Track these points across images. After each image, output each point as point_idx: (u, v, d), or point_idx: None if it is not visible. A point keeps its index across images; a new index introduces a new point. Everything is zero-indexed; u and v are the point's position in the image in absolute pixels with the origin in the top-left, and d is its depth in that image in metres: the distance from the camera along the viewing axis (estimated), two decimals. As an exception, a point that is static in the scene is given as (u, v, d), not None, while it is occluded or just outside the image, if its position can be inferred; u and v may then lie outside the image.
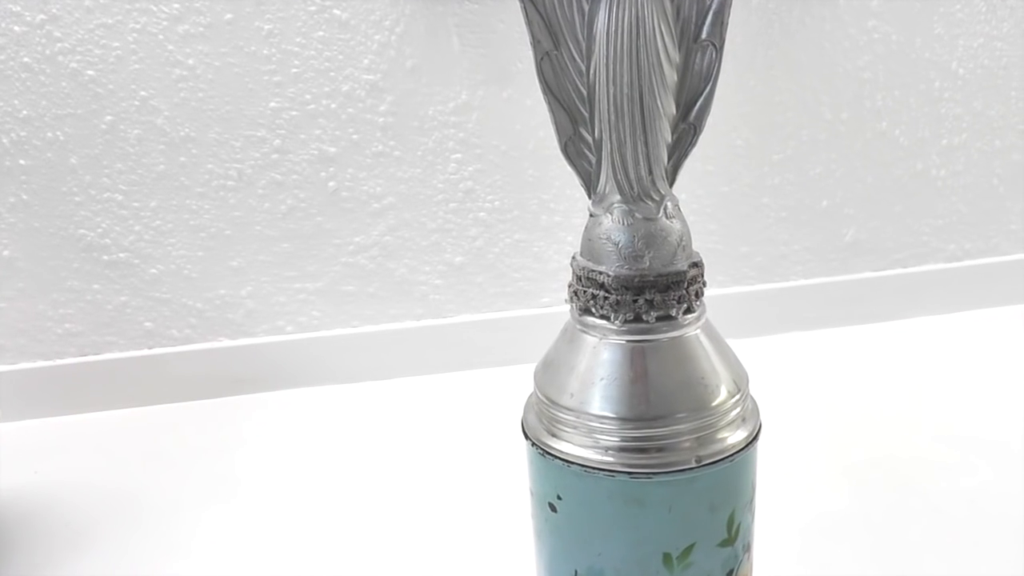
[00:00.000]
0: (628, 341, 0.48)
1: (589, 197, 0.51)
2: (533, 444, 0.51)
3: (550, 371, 0.51)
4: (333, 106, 1.19)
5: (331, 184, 1.21)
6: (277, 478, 1.04)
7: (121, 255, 1.21)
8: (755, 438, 0.51)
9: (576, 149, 0.51)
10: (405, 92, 1.20)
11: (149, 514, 0.97)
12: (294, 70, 1.17)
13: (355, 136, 1.20)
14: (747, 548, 0.53)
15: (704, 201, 1.31)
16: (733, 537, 0.51)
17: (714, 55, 0.50)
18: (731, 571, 0.51)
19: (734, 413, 0.50)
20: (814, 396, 1.18)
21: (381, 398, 1.25)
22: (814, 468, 1.00)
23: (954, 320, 1.42)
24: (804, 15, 1.27)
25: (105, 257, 1.20)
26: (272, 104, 1.17)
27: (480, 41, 1.19)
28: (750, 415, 0.51)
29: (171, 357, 1.25)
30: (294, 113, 1.18)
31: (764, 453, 0.98)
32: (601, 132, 0.49)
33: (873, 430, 1.08)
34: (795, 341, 1.37)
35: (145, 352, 1.25)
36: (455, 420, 1.14)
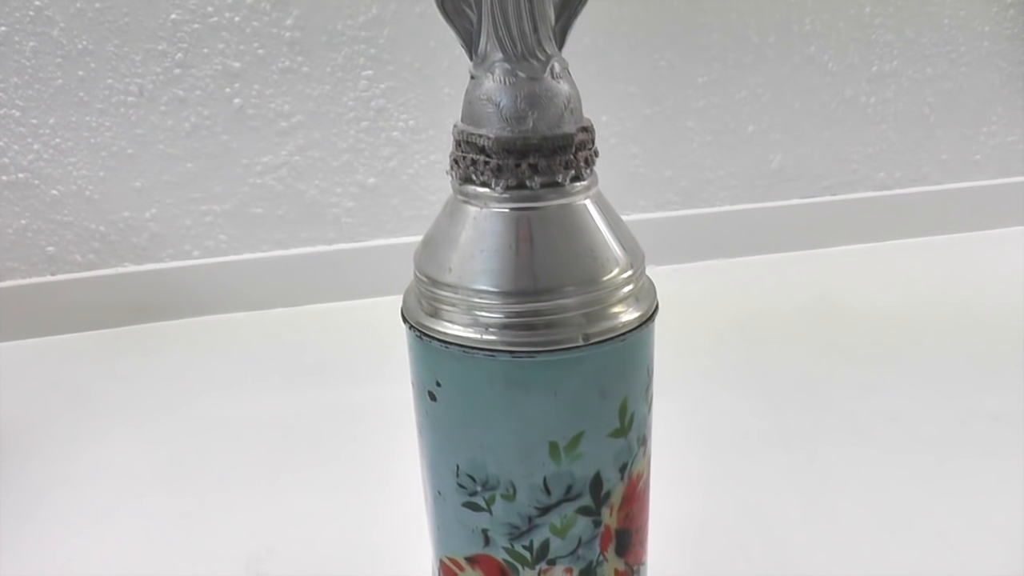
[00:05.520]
0: (511, 209, 0.45)
1: (470, 59, 0.47)
2: (411, 327, 0.47)
3: (429, 248, 0.48)
4: (237, 19, 1.14)
5: (236, 101, 1.17)
6: (184, 409, 1.01)
7: (20, 175, 1.16)
8: (650, 319, 0.47)
9: (454, 6, 0.47)
10: (312, 5, 1.15)
11: (50, 446, 0.94)
12: (195, -21, 1.12)
13: (260, 51, 1.15)
14: (643, 442, 0.50)
15: (627, 124, 1.28)
16: (626, 428, 0.48)
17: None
18: (624, 465, 0.48)
19: (626, 290, 0.46)
20: (737, 322, 1.17)
21: (292, 325, 1.22)
22: (734, 391, 0.99)
23: (881, 249, 1.41)
24: (729, -69, 1.24)
25: (4, 178, 1.15)
26: (172, 16, 1.12)
27: (390, -50, 1.15)
28: (644, 295, 0.48)
29: (74, 283, 1.21)
30: (196, 26, 1.13)
31: (682, 376, 0.97)
32: (481, -15, 0.45)
33: (795, 353, 1.08)
34: (719, 267, 1.35)
35: (48, 278, 1.21)
36: (369, 347, 1.11)
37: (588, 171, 0.46)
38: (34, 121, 1.14)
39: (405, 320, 0.48)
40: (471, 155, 0.46)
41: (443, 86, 1.21)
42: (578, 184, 0.46)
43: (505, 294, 0.44)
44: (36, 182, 1.16)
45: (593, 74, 1.24)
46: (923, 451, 0.86)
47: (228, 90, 1.16)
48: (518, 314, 0.44)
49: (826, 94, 1.35)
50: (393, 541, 0.75)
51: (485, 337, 0.44)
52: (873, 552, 0.72)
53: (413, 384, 0.50)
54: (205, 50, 1.14)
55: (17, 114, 1.13)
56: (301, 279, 1.26)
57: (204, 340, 1.18)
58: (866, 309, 1.19)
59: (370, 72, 1.19)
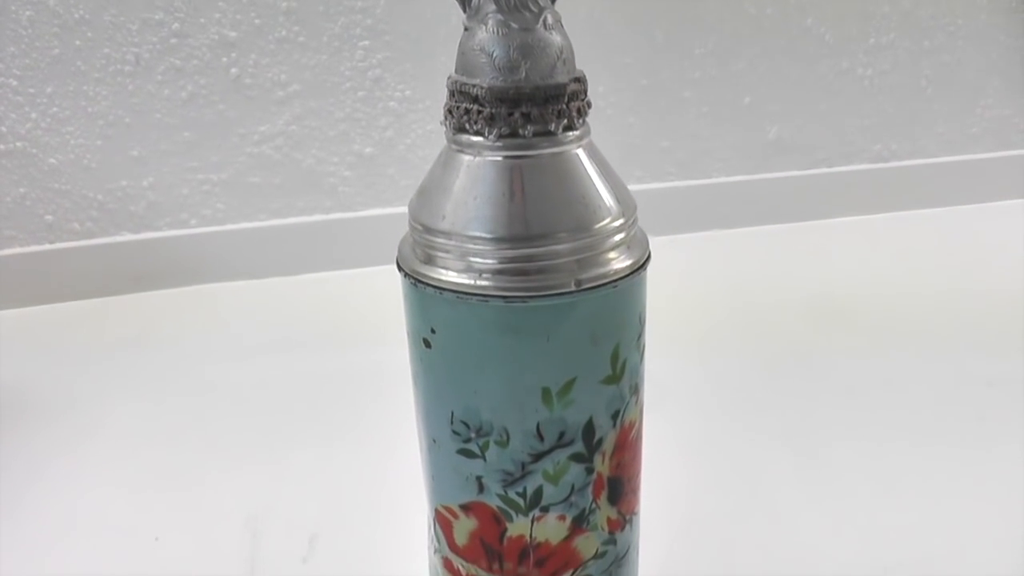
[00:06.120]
0: (504, 157, 0.45)
1: (464, 11, 0.48)
2: (406, 275, 0.48)
3: (424, 197, 0.48)
4: (233, -12, 1.14)
5: (233, 71, 1.17)
6: (182, 376, 1.01)
7: (18, 144, 1.16)
8: (642, 267, 0.48)
9: (450, -41, 0.48)
10: (309, -26, 1.15)
11: (48, 414, 0.94)
12: (191, -52, 1.12)
13: (257, 20, 1.15)
14: (635, 391, 0.50)
15: (623, 94, 1.28)
16: (618, 375, 0.48)
17: None
18: (617, 412, 0.49)
19: (618, 238, 0.47)
20: (733, 292, 1.17)
21: (289, 294, 1.22)
22: (730, 358, 1.00)
23: (878, 221, 1.41)
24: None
25: (1, 146, 1.16)
26: (169, -16, 1.12)
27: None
28: (636, 244, 0.48)
29: (72, 252, 1.21)
30: (193, -6, 1.13)
31: (678, 345, 0.97)
32: (473, -63, 0.45)
33: (790, 322, 1.08)
34: (716, 238, 1.35)
35: (46, 247, 1.21)
36: (366, 315, 1.11)
37: (580, 121, 0.47)
38: (31, 90, 1.14)
39: (400, 268, 0.49)
40: (464, 104, 0.46)
41: (440, 55, 1.21)
42: (571, 133, 0.46)
43: (498, 240, 0.44)
44: (34, 151, 1.16)
45: (590, 44, 1.24)
46: (917, 415, 0.87)
47: (225, 59, 1.16)
48: (511, 260, 0.44)
49: (823, 66, 1.35)
50: (390, 501, 0.76)
51: (478, 283, 0.45)
52: (865, 512, 0.73)
53: (408, 334, 0.50)
54: (202, 20, 1.14)
55: (14, 83, 1.13)
56: (298, 248, 1.26)
57: (201, 308, 1.18)
58: (862, 281, 1.19)
59: (367, 42, 1.19)
